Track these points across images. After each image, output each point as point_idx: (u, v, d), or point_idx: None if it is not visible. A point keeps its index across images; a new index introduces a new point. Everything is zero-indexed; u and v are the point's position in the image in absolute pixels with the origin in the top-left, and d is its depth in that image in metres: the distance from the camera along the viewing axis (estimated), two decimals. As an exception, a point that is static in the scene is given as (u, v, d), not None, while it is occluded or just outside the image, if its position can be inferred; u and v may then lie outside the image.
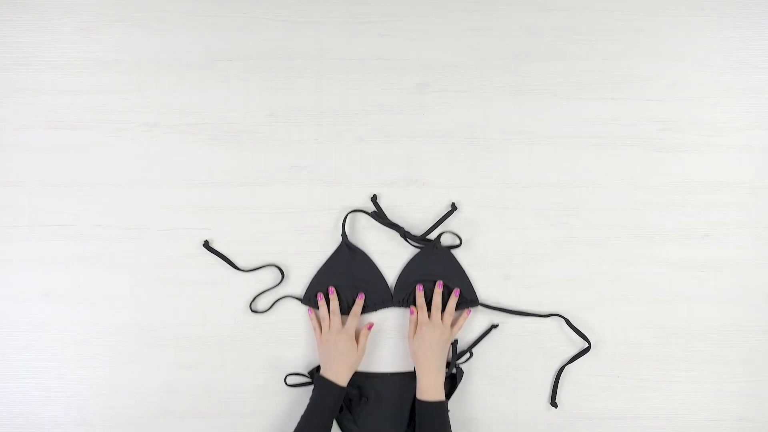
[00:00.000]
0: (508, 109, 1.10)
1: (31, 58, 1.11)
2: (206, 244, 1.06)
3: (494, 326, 1.06)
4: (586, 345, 1.05)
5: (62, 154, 1.09)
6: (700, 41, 1.12)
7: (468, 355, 1.06)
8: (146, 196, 1.08)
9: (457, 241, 1.07)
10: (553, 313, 1.06)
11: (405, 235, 1.06)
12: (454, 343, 1.04)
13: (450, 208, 1.07)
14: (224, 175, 1.08)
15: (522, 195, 1.08)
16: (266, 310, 1.07)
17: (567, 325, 1.06)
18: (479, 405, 1.06)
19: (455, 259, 1.07)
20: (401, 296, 1.06)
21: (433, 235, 1.07)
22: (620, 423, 1.05)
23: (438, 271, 1.06)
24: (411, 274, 1.06)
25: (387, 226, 1.07)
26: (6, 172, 1.09)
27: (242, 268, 1.06)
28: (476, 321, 1.07)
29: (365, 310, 1.05)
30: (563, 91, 1.10)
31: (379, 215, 1.07)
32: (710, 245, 1.08)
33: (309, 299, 1.06)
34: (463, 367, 1.06)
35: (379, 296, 1.06)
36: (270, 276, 1.07)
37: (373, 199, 1.08)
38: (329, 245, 1.07)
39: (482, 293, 1.07)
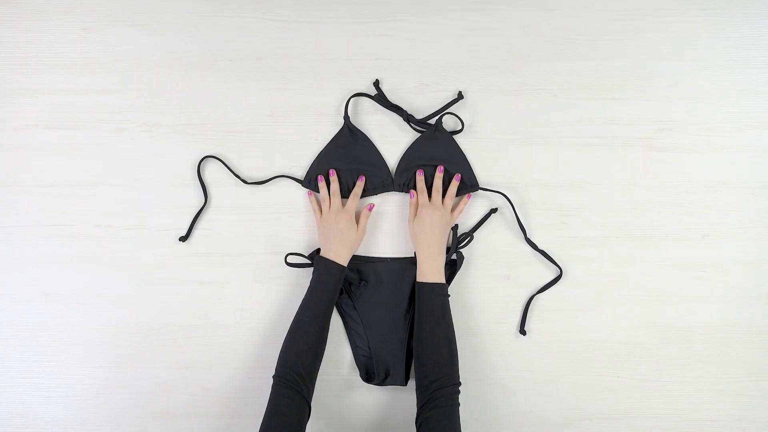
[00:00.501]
0: (508, 109, 1.10)
1: (30, 58, 1.11)
2: (182, 238, 1.07)
3: (494, 210, 1.07)
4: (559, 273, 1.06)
5: (62, 154, 1.09)
6: (700, 41, 1.12)
7: (469, 238, 1.06)
8: (146, 196, 1.08)
9: (459, 126, 1.08)
10: (537, 248, 1.06)
11: (407, 118, 1.07)
12: (455, 228, 1.05)
13: (456, 96, 1.08)
14: (224, 175, 1.08)
15: (522, 195, 1.08)
16: (263, 182, 1.07)
17: (543, 256, 1.06)
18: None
19: (457, 144, 1.07)
20: (402, 180, 1.06)
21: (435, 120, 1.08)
22: (620, 423, 1.05)
23: (439, 155, 1.06)
24: (412, 157, 1.07)
25: (389, 109, 1.08)
26: (6, 172, 1.09)
27: (208, 201, 1.07)
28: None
29: (365, 193, 1.06)
30: (563, 91, 1.10)
31: (381, 98, 1.07)
32: (710, 245, 1.08)
33: (309, 181, 1.07)
34: (464, 252, 1.06)
35: (380, 179, 1.06)
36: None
37: (376, 84, 1.09)
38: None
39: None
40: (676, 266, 1.08)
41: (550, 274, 1.07)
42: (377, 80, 1.09)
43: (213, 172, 1.09)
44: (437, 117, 1.07)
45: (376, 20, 1.12)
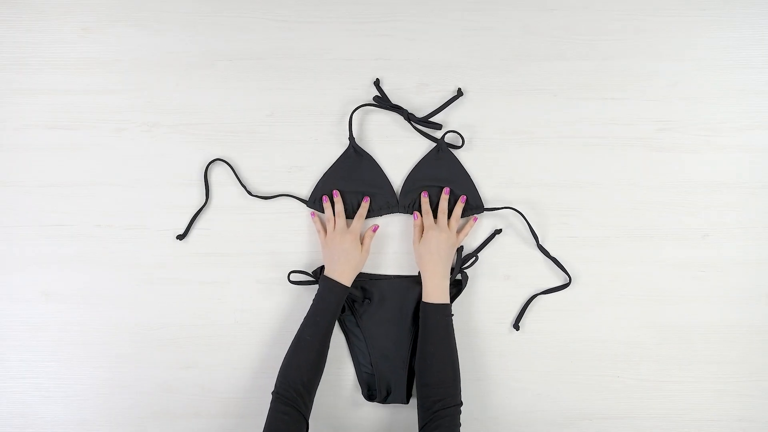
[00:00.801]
0: (508, 109, 1.10)
1: (30, 58, 1.11)
2: (179, 237, 1.07)
3: (498, 231, 1.07)
4: (568, 280, 1.06)
5: (62, 154, 1.09)
6: (700, 41, 1.12)
7: (473, 259, 1.05)
8: (146, 196, 1.08)
9: (459, 142, 1.07)
10: (549, 255, 1.06)
11: (408, 117, 1.07)
12: (460, 250, 1.04)
13: (456, 93, 1.08)
14: (224, 175, 1.09)
15: (522, 195, 1.08)
16: (268, 197, 1.07)
17: (553, 263, 1.06)
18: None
19: (461, 164, 1.07)
20: (407, 201, 1.06)
21: (436, 119, 1.08)
22: (620, 423, 1.05)
23: (444, 176, 1.06)
24: (417, 178, 1.06)
25: (390, 110, 1.08)
26: (6, 172, 1.09)
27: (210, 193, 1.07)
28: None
29: (370, 213, 1.05)
30: (563, 91, 1.10)
31: (381, 100, 1.07)
32: (710, 245, 1.08)
33: (314, 202, 1.06)
34: (468, 272, 1.06)
35: (385, 200, 1.06)
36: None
37: (376, 83, 1.09)
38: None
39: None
40: (676, 266, 1.08)
41: (551, 274, 1.07)
42: (378, 79, 1.09)
43: (214, 173, 1.09)
44: (441, 136, 1.07)
45: (376, 20, 1.12)
